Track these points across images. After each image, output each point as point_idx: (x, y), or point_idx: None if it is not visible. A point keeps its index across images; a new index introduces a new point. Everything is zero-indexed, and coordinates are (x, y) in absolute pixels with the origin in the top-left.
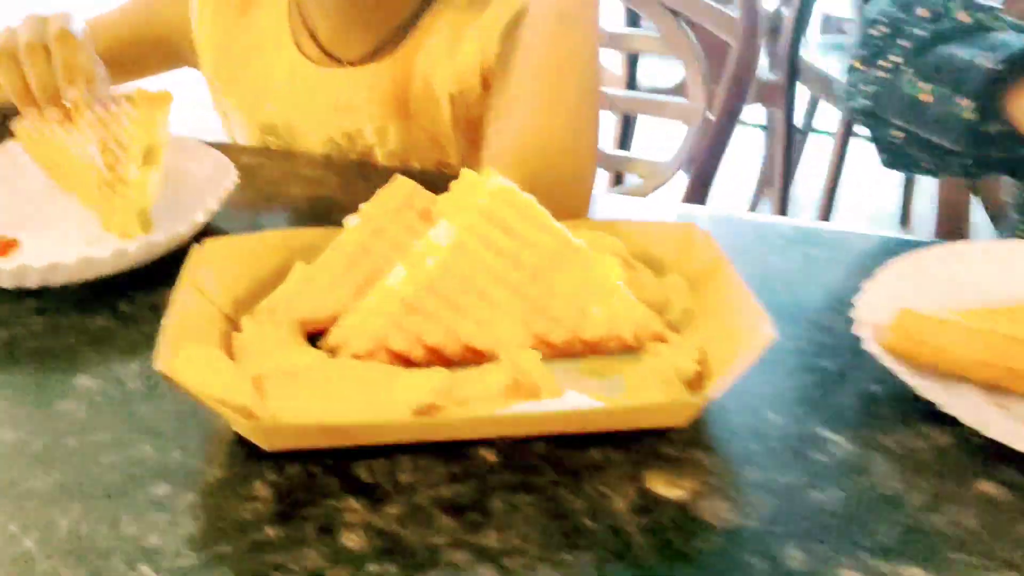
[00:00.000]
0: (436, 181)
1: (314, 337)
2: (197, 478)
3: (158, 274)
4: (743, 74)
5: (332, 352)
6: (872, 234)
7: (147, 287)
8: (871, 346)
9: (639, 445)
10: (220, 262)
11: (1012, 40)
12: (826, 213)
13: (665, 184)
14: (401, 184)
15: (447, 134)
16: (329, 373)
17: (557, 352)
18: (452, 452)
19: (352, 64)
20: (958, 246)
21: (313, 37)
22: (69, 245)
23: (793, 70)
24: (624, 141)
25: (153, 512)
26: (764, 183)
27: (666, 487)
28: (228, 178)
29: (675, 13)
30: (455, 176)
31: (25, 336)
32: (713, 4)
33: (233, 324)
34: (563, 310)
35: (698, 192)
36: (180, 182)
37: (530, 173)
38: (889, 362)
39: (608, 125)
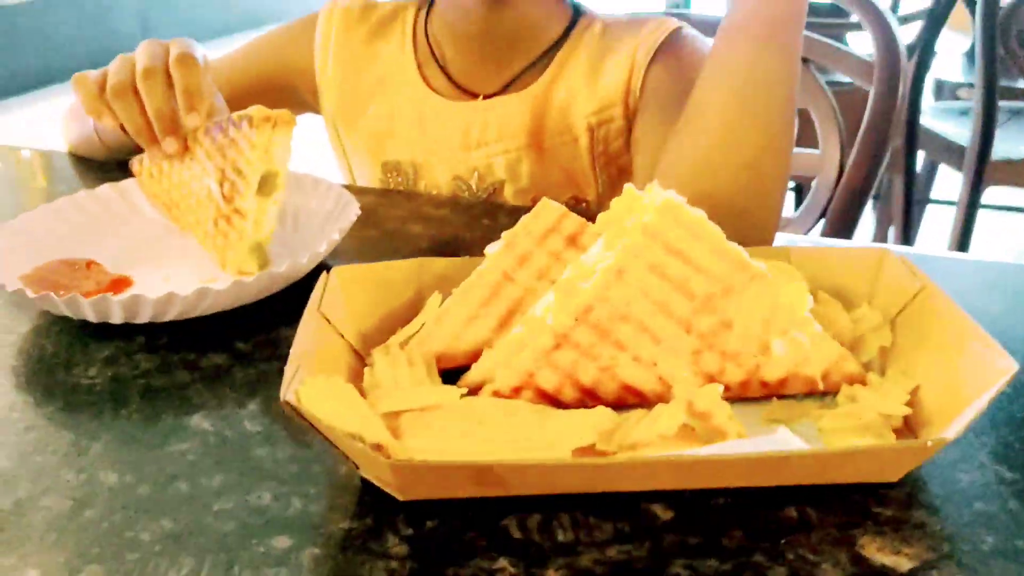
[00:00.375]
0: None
1: (452, 375)
2: (321, 531)
3: (276, 312)
4: (882, 124)
5: (472, 391)
6: None
7: (265, 326)
8: None
9: (846, 504)
10: (349, 292)
11: None
12: None
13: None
14: (548, 208)
15: (583, 170)
16: (471, 413)
17: (732, 395)
18: (618, 507)
19: (486, 97)
20: None
21: (443, 71)
22: (183, 284)
23: (912, 134)
24: None
25: (272, 567)
26: None
27: (887, 554)
28: (350, 210)
29: (805, 60)
30: (591, 216)
31: (135, 375)
32: (845, 49)
33: (361, 359)
34: (740, 345)
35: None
36: (299, 218)
37: (710, 190)
38: None
39: None
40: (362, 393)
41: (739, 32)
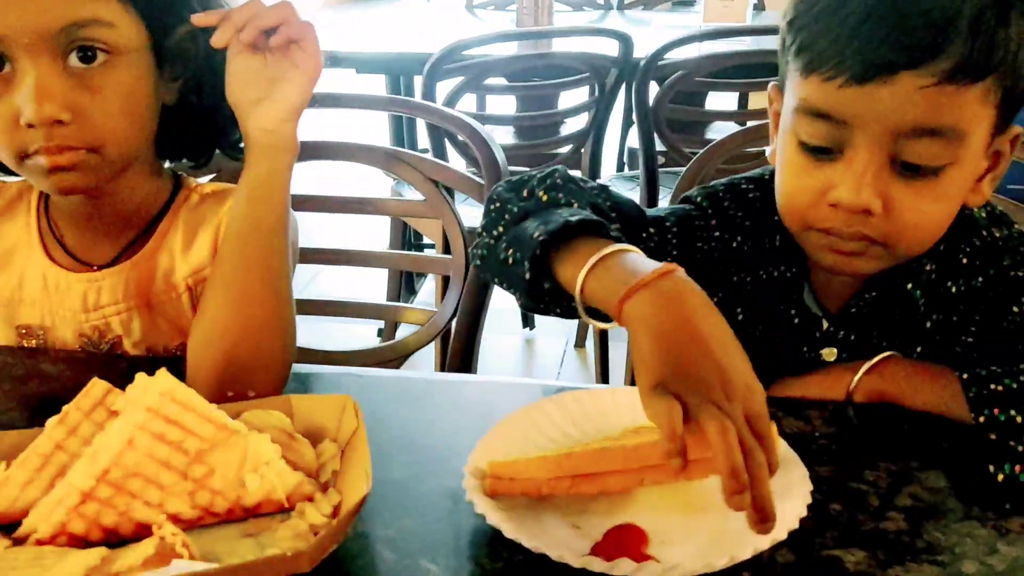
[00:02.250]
0: (178, 362)
1: (14, 527)
2: None
3: None
4: None
5: (21, 541)
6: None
7: None
8: (472, 495)
9: None
10: None
11: (563, 216)
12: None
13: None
14: (96, 386)
15: (188, 321)
16: (8, 561)
17: (222, 519)
18: None
19: (100, 268)
20: (561, 397)
21: (62, 245)
22: None
23: None
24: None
25: None
26: None
27: None
28: None
29: (435, 182)
30: None
31: None
32: (465, 173)
33: None
34: (222, 483)
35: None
36: None
37: (220, 362)
38: (482, 507)
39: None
40: None
41: (237, 212)
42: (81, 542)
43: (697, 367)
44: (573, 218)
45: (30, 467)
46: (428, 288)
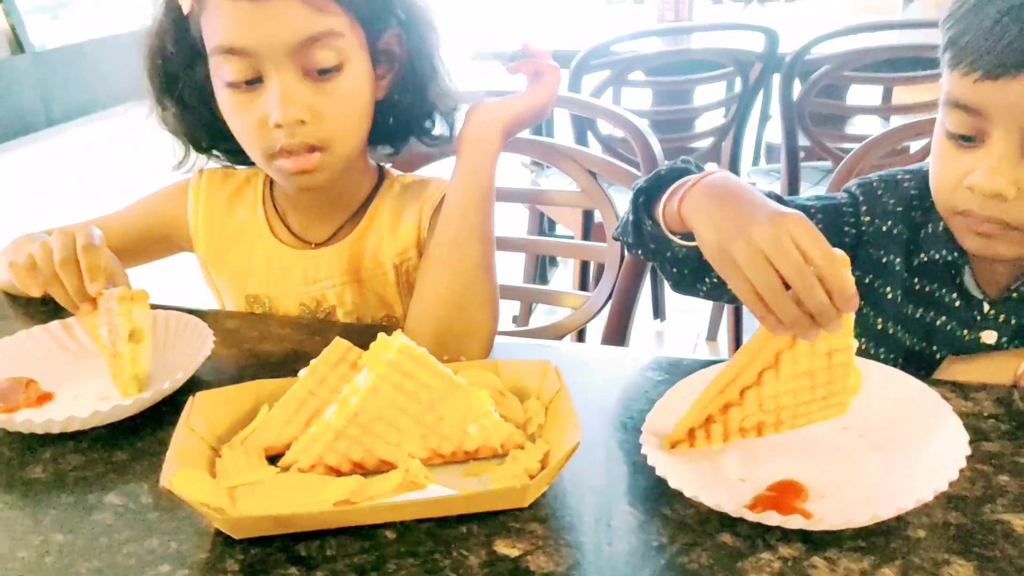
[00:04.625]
0: (385, 330)
1: (277, 458)
2: (187, 560)
3: (166, 416)
4: None
5: (286, 469)
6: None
7: (157, 426)
8: (647, 450)
9: (494, 520)
10: (208, 408)
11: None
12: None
13: (595, 317)
14: (338, 344)
15: (393, 295)
16: (280, 484)
17: (447, 460)
18: (364, 533)
19: (318, 245)
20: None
21: (286, 225)
22: (86, 400)
23: None
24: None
25: None
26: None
27: (507, 548)
28: (207, 343)
29: (592, 173)
30: (402, 326)
31: (68, 468)
32: (619, 164)
33: (217, 452)
34: (449, 430)
35: (619, 326)
36: (171, 349)
37: (436, 330)
38: (653, 460)
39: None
40: (214, 475)
41: (452, 200)
42: (334, 472)
43: (738, 218)
44: (663, 168)
45: (288, 409)
46: (560, 276)
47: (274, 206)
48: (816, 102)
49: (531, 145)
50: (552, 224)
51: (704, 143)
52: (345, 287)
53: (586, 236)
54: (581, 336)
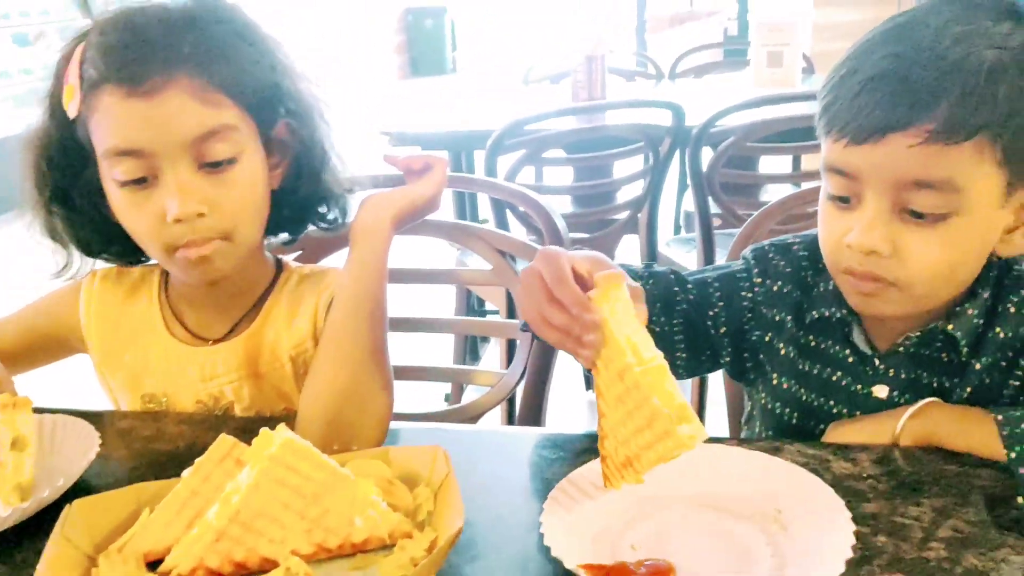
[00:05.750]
0: (284, 423)
1: (159, 563)
2: None
3: (49, 526)
4: None
5: (166, 575)
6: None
7: (39, 537)
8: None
9: None
10: (87, 515)
11: None
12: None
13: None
14: (223, 441)
15: (291, 388)
16: None
17: (334, 554)
18: None
19: (215, 342)
20: None
21: (181, 323)
22: None
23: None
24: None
25: None
26: None
27: None
28: (93, 449)
29: (502, 252)
30: None
31: None
32: (529, 243)
33: (94, 562)
34: (335, 523)
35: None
36: (58, 454)
37: (329, 418)
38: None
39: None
40: None
41: (344, 288)
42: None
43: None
44: None
45: (170, 511)
46: (492, 352)
47: (169, 304)
48: (724, 172)
49: (442, 226)
50: (481, 302)
51: (623, 214)
52: (243, 382)
53: (511, 314)
54: (511, 413)
